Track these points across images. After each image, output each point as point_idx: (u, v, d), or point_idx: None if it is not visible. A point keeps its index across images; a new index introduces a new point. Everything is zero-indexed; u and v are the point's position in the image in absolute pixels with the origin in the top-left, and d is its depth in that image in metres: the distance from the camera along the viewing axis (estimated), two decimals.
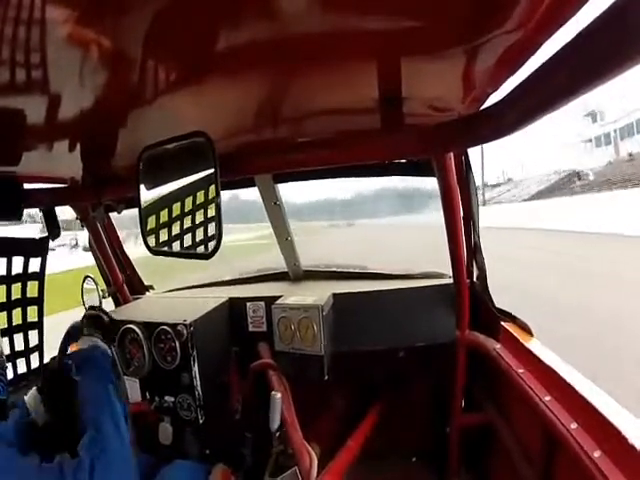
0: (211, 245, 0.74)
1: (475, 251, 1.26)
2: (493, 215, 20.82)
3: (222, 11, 0.44)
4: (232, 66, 0.58)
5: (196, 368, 1.17)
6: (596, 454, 0.67)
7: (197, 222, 0.76)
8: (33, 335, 1.36)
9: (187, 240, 0.77)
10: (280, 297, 1.31)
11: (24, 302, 1.33)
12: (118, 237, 1.64)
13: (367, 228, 22.28)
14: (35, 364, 1.33)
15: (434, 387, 1.55)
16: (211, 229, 0.73)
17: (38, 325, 1.38)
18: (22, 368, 1.30)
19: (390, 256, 8.81)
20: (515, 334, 1.10)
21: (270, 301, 1.30)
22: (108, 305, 1.55)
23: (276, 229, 1.49)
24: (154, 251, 0.83)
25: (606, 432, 0.68)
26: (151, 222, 0.82)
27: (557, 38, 0.50)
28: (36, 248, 1.31)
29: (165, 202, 0.79)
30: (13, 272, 1.27)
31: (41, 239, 1.32)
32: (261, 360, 1.34)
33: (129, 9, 0.42)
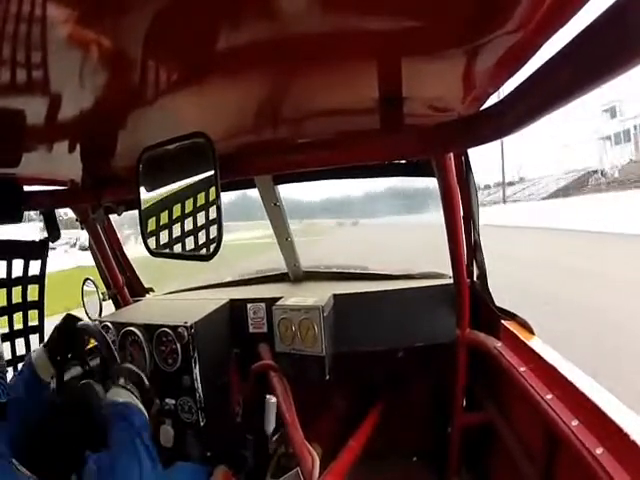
0: (212, 247, 0.74)
1: (475, 250, 1.26)
2: (516, 213, 20.43)
3: (222, 11, 0.44)
4: (232, 66, 0.58)
5: (197, 370, 1.17)
6: (598, 451, 0.67)
7: (198, 224, 0.75)
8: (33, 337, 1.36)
9: (188, 242, 0.77)
10: (280, 298, 1.31)
11: (24, 306, 1.33)
12: (118, 239, 1.63)
13: (373, 227, 22.25)
14: None
15: (435, 387, 1.55)
16: (212, 231, 0.73)
17: (39, 329, 1.38)
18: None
19: (396, 256, 8.83)
20: (516, 332, 1.10)
21: (271, 302, 1.30)
22: (108, 307, 1.55)
23: (276, 230, 1.49)
24: (155, 253, 0.83)
25: (608, 429, 0.68)
26: (151, 224, 0.82)
27: (557, 38, 0.50)
28: (36, 250, 1.31)
29: (165, 204, 0.79)
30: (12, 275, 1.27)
31: (41, 241, 1.32)
32: (262, 361, 1.34)
33: (129, 9, 0.42)
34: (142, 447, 0.78)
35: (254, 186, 1.35)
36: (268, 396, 1.23)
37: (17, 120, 0.67)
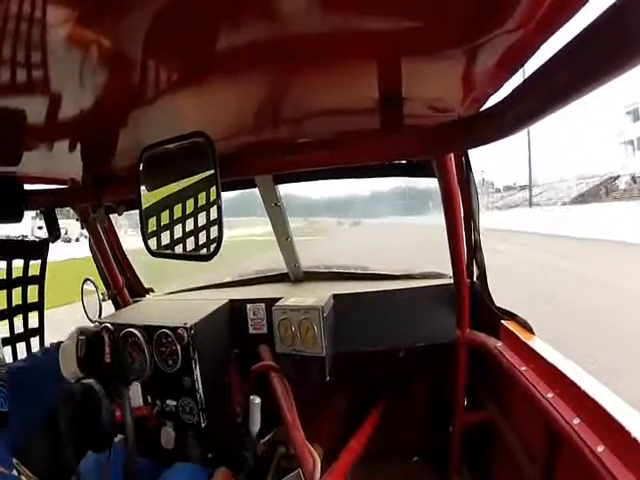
0: (212, 247, 0.74)
1: (475, 250, 1.26)
2: (544, 219, 18.29)
3: (222, 11, 0.44)
4: (232, 66, 0.58)
5: (198, 371, 1.17)
6: (599, 449, 0.67)
7: (199, 224, 0.75)
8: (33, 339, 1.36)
9: (190, 243, 0.77)
10: (280, 299, 1.30)
11: (25, 308, 1.33)
12: (118, 239, 1.63)
13: (374, 227, 22.10)
14: None
15: (435, 387, 1.55)
16: (212, 231, 0.73)
17: (39, 331, 1.37)
18: None
19: (395, 256, 8.78)
20: (516, 332, 1.10)
21: (270, 303, 1.30)
22: (108, 308, 1.55)
23: (276, 230, 1.49)
24: (155, 253, 0.83)
25: (609, 427, 0.68)
26: (152, 224, 0.82)
27: (557, 38, 0.50)
28: (36, 250, 1.31)
29: (166, 203, 0.79)
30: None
31: (41, 241, 1.32)
32: (262, 362, 1.34)
33: (129, 9, 0.42)
34: None
35: (254, 186, 1.35)
36: (252, 397, 1.23)
37: (18, 119, 0.67)
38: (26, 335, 1.34)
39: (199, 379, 1.17)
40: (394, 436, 1.51)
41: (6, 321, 1.30)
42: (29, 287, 1.34)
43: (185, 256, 0.79)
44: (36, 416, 0.87)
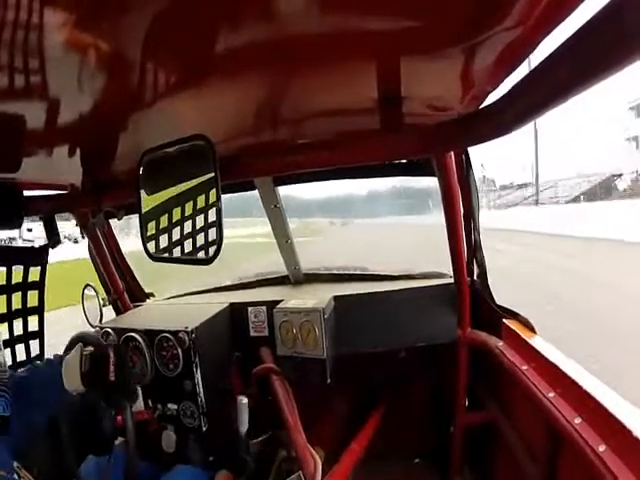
0: (211, 250, 0.74)
1: (475, 249, 1.26)
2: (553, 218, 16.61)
3: (221, 13, 0.44)
4: (232, 68, 0.58)
5: (199, 375, 1.16)
6: (601, 448, 0.67)
7: (198, 227, 0.75)
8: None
9: (187, 245, 0.77)
10: (281, 301, 1.30)
11: (25, 312, 1.32)
12: (118, 244, 1.63)
13: (367, 227, 22.05)
14: None
15: (436, 387, 1.55)
16: (212, 234, 0.73)
17: (39, 335, 1.37)
18: None
19: (387, 257, 8.74)
20: (517, 331, 1.10)
21: (271, 305, 1.30)
22: (109, 313, 1.55)
23: (276, 232, 1.49)
24: (154, 257, 0.82)
25: (611, 426, 0.68)
26: (151, 228, 0.81)
27: (555, 35, 0.50)
28: (36, 257, 1.31)
29: (166, 207, 0.79)
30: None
31: (41, 247, 1.32)
32: (263, 365, 1.33)
33: (127, 13, 0.42)
34: None
35: (254, 188, 1.35)
36: (240, 397, 1.23)
37: (17, 125, 0.67)
38: (26, 338, 1.33)
39: (200, 383, 1.16)
40: (395, 437, 1.51)
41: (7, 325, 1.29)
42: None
43: (185, 260, 0.78)
44: (37, 420, 0.86)
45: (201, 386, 1.16)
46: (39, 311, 1.37)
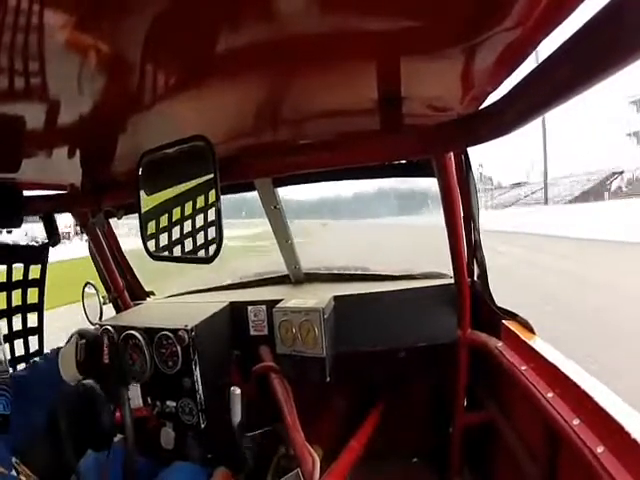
0: (211, 249, 0.74)
1: (475, 250, 1.26)
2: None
3: (221, 14, 0.44)
4: (231, 69, 0.58)
5: (198, 373, 1.17)
6: (599, 450, 0.67)
7: (197, 226, 0.75)
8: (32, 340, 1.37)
9: (187, 245, 0.77)
10: (281, 300, 1.30)
11: (24, 308, 1.33)
12: (118, 242, 1.63)
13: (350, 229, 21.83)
14: None
15: (435, 387, 1.55)
16: (212, 234, 0.73)
17: (38, 331, 1.38)
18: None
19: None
20: (517, 332, 1.10)
21: (271, 305, 1.30)
22: (109, 311, 1.55)
23: (276, 232, 1.50)
24: (154, 256, 0.82)
25: (609, 428, 0.68)
26: (151, 227, 0.82)
27: (555, 36, 0.50)
28: (36, 255, 1.31)
29: (165, 207, 0.79)
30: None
31: (41, 246, 1.32)
32: (263, 363, 1.34)
33: (127, 14, 0.42)
34: None
35: (254, 189, 1.35)
36: (232, 388, 1.23)
37: (17, 125, 0.67)
38: (25, 334, 1.34)
39: (199, 380, 1.17)
40: (394, 436, 1.51)
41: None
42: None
43: (185, 259, 0.79)
44: (37, 417, 0.87)
45: (200, 383, 1.17)
46: (39, 308, 1.37)
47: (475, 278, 1.32)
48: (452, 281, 1.30)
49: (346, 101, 0.78)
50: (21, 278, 1.31)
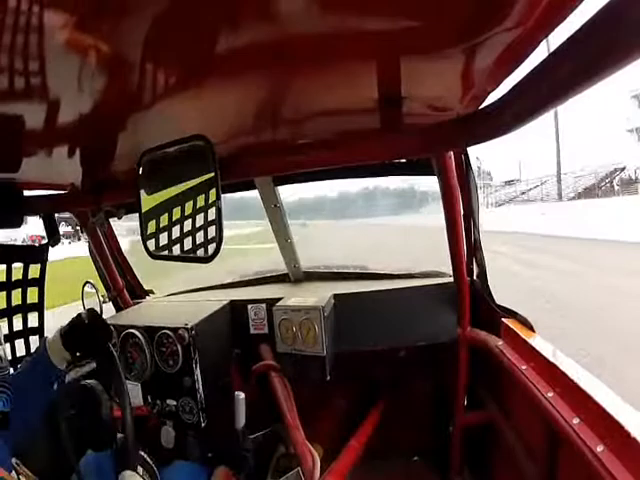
0: (211, 248, 0.74)
1: (475, 249, 1.26)
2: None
3: (221, 14, 0.44)
4: (231, 68, 0.58)
5: (198, 371, 1.17)
6: (599, 449, 0.67)
7: (197, 225, 0.75)
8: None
9: (187, 244, 0.77)
10: (281, 299, 1.31)
11: (25, 307, 1.33)
12: (117, 242, 1.64)
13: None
14: None
15: (435, 386, 1.55)
16: (212, 233, 0.73)
17: (39, 330, 1.38)
18: None
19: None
20: (516, 330, 1.10)
21: (271, 303, 1.30)
22: (109, 310, 1.55)
23: (276, 231, 1.50)
24: (154, 255, 0.83)
25: (608, 426, 0.68)
26: (151, 226, 0.82)
27: (555, 36, 0.50)
28: (36, 255, 1.31)
29: (165, 206, 0.79)
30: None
31: (41, 246, 1.32)
32: (263, 362, 1.34)
33: (127, 14, 0.42)
34: None
35: (254, 188, 1.35)
36: (237, 392, 1.23)
37: (16, 125, 0.67)
38: (25, 333, 1.34)
39: (199, 379, 1.17)
40: (394, 435, 1.51)
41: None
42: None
43: (185, 258, 0.79)
44: (35, 416, 0.87)
45: (200, 382, 1.17)
46: (39, 307, 1.38)
47: (475, 277, 1.32)
48: (452, 279, 1.31)
49: (346, 100, 0.78)
50: (21, 278, 1.31)
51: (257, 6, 0.43)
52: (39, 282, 1.36)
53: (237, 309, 1.45)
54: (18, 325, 1.34)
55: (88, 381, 0.96)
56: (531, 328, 1.10)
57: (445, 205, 1.10)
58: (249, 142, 0.99)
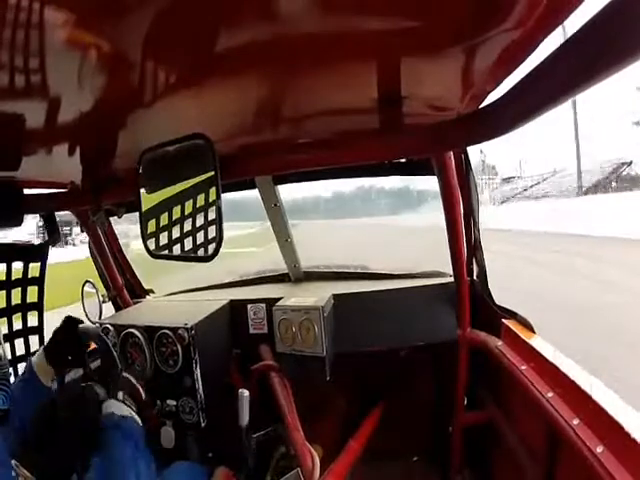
0: (211, 248, 0.74)
1: (475, 249, 1.26)
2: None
3: (221, 12, 0.44)
4: (231, 67, 0.58)
5: (198, 371, 1.17)
6: (599, 449, 0.67)
7: (198, 225, 0.75)
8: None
9: (187, 243, 0.77)
10: (281, 299, 1.31)
11: (24, 307, 1.33)
12: (118, 241, 1.63)
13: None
14: None
15: (435, 386, 1.55)
16: (211, 231, 0.73)
17: (39, 329, 1.38)
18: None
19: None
20: (516, 331, 1.10)
21: (271, 303, 1.30)
22: (109, 309, 1.55)
23: (276, 231, 1.50)
24: (154, 255, 0.83)
25: (608, 427, 0.68)
26: (151, 226, 0.82)
27: (555, 35, 0.50)
28: (35, 253, 1.31)
29: (165, 205, 0.79)
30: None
31: (40, 244, 1.32)
32: (263, 362, 1.34)
33: (128, 12, 0.42)
34: (139, 454, 0.82)
35: (254, 187, 1.35)
36: (241, 390, 1.23)
37: (17, 123, 0.67)
38: (25, 333, 1.34)
39: (199, 379, 1.17)
40: (394, 436, 1.51)
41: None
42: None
43: (184, 257, 0.79)
44: (35, 416, 0.87)
45: (200, 382, 1.17)
46: (39, 307, 1.38)
47: (475, 277, 1.32)
48: (452, 280, 1.31)
49: (346, 100, 0.78)
50: (21, 277, 1.31)
51: (257, 5, 0.43)
52: (39, 281, 1.36)
53: (237, 309, 1.45)
54: (18, 325, 1.34)
55: (85, 384, 0.96)
56: (531, 329, 1.10)
57: (445, 205, 1.10)
58: (249, 141, 0.99)
